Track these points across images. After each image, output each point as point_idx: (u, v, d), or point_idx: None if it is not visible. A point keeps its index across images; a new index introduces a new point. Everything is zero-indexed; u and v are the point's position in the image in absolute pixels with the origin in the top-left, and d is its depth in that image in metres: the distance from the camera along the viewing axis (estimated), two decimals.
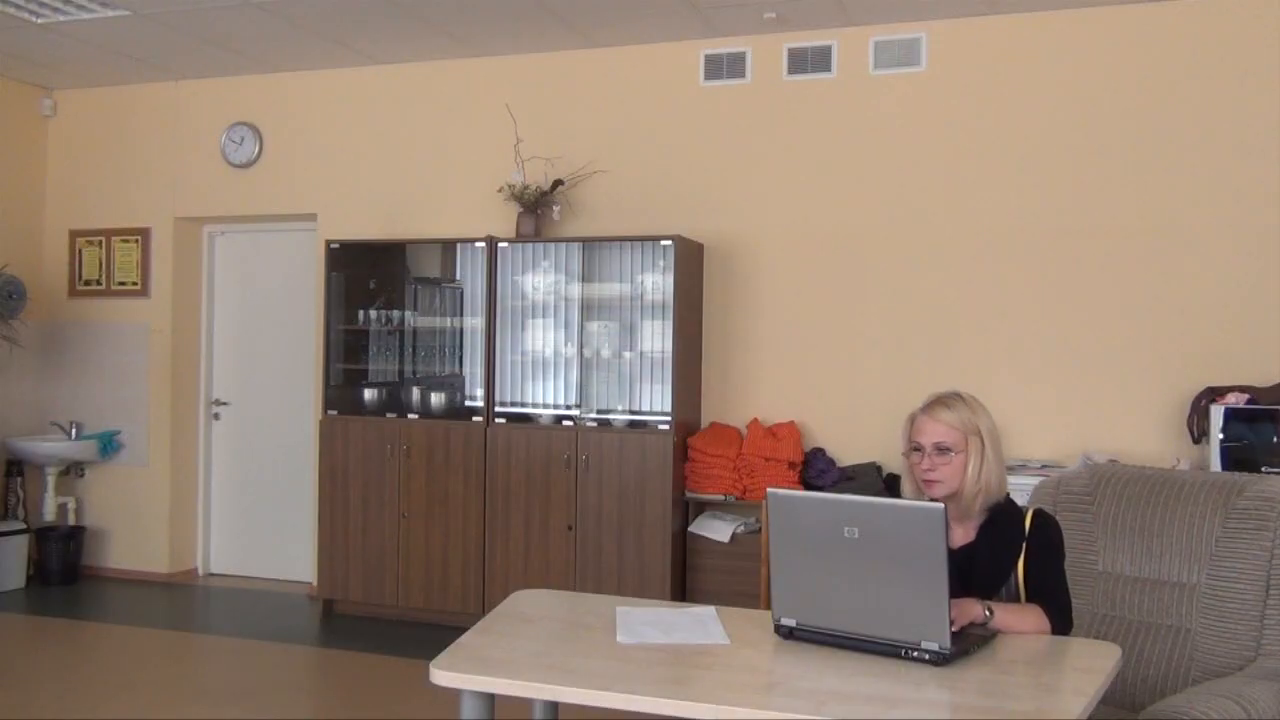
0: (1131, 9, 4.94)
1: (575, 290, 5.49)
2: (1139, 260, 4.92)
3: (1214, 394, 4.56)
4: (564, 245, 5.54)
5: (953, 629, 2.18)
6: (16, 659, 5.08)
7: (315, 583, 6.05)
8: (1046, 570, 2.49)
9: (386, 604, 5.65)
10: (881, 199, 5.31)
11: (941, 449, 2.49)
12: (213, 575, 6.83)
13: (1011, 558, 2.51)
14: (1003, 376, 5.05)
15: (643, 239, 5.37)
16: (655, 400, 5.35)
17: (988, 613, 2.32)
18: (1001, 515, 2.55)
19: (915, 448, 2.53)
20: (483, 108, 5.96)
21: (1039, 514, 2.57)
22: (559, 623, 2.58)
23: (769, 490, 2.34)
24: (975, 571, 2.49)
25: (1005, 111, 5.13)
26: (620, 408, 5.42)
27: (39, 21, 5.44)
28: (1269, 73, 4.75)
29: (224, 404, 6.86)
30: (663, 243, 5.27)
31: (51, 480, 6.53)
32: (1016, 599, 2.48)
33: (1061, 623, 2.43)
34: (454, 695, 2.18)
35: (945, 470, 2.49)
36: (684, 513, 5.28)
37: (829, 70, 5.40)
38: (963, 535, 2.56)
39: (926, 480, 2.51)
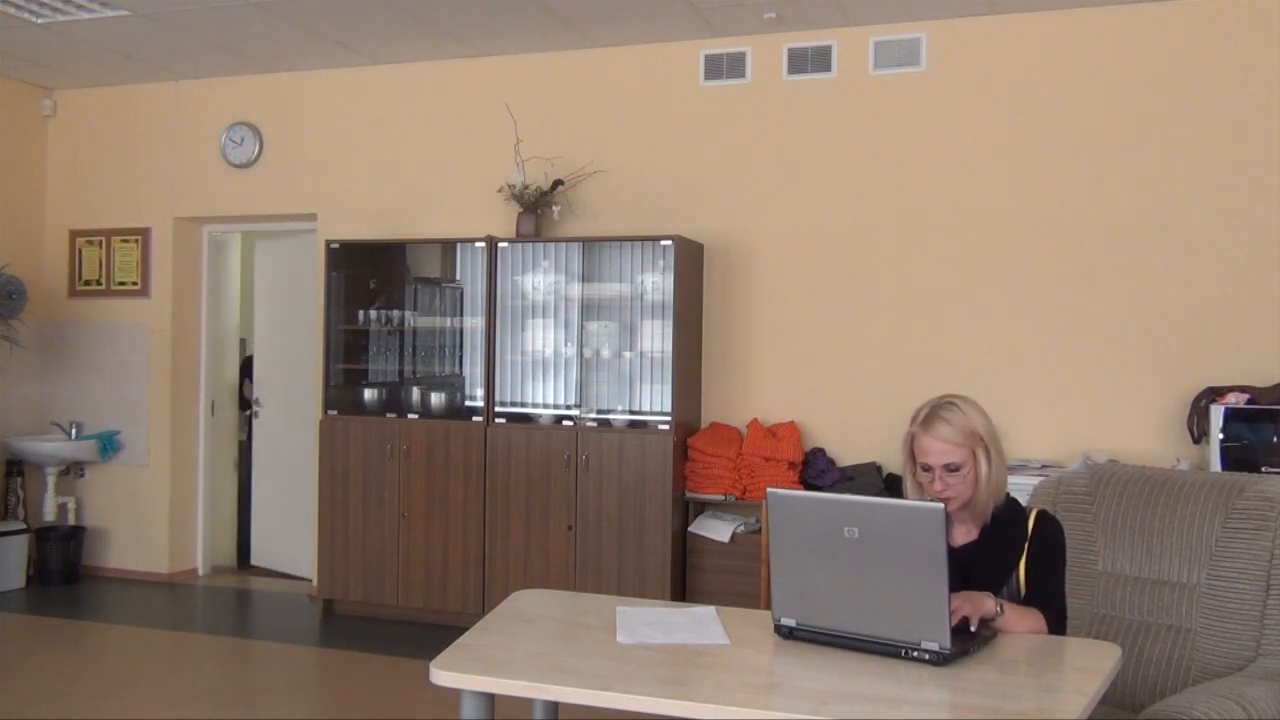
0: (1131, 9, 4.94)
1: (575, 290, 5.49)
2: (1139, 260, 4.92)
3: (1214, 394, 4.56)
4: (564, 245, 5.54)
5: (965, 620, 2.20)
6: (16, 659, 5.08)
7: (315, 583, 6.05)
8: (1047, 572, 2.50)
9: (386, 604, 5.65)
10: (881, 199, 5.31)
11: (952, 469, 2.47)
12: (213, 575, 6.83)
13: (1014, 557, 2.51)
14: (1003, 376, 5.05)
15: (642, 239, 5.37)
16: (655, 400, 5.35)
17: (999, 610, 2.32)
18: (1004, 515, 2.55)
19: (924, 468, 2.51)
20: (483, 108, 5.96)
21: (1043, 514, 2.57)
22: (559, 623, 2.58)
23: (769, 490, 2.34)
24: (977, 570, 2.49)
25: (1005, 111, 5.13)
26: (620, 408, 5.42)
27: (39, 21, 5.44)
28: (1268, 73, 4.75)
29: (260, 405, 6.86)
30: (663, 243, 5.27)
31: (51, 480, 6.53)
32: (1017, 599, 2.48)
33: (1057, 627, 2.44)
34: (454, 695, 2.18)
35: (959, 487, 2.48)
36: (684, 513, 5.28)
37: (829, 70, 5.40)
38: (965, 534, 2.56)
39: (942, 498, 2.48)
